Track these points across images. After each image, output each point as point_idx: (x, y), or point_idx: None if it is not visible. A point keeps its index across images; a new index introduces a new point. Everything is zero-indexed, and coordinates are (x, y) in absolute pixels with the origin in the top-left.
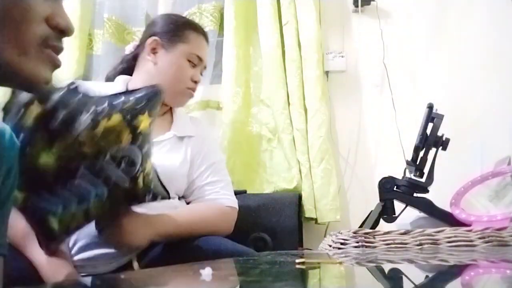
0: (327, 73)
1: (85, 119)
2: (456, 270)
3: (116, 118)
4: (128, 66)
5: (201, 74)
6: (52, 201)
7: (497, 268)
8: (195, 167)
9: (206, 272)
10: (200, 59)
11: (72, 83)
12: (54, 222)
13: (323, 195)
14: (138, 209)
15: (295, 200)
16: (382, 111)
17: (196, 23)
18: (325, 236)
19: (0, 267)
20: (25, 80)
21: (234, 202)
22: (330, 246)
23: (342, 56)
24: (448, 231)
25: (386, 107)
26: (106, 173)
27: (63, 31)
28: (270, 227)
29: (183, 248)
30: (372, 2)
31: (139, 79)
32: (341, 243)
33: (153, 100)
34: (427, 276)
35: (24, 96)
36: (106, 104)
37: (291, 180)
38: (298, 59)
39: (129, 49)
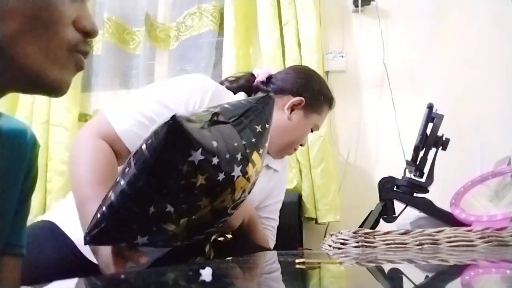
0: (327, 73)
1: (237, 170)
2: (456, 270)
3: (256, 156)
4: (247, 86)
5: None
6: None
7: (497, 268)
8: (269, 198)
9: (206, 272)
10: (317, 128)
11: (216, 114)
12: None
13: (323, 195)
14: None
15: (295, 200)
16: (382, 111)
17: (334, 100)
18: (325, 236)
19: (19, 267)
20: (50, 86)
21: (273, 245)
22: (330, 246)
23: (342, 56)
24: (448, 231)
25: (386, 107)
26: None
27: (89, 34)
28: None
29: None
30: (372, 2)
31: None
32: (341, 243)
33: (270, 114)
34: (427, 276)
35: (197, 156)
36: (245, 141)
37: (291, 180)
38: (298, 59)
39: (260, 75)
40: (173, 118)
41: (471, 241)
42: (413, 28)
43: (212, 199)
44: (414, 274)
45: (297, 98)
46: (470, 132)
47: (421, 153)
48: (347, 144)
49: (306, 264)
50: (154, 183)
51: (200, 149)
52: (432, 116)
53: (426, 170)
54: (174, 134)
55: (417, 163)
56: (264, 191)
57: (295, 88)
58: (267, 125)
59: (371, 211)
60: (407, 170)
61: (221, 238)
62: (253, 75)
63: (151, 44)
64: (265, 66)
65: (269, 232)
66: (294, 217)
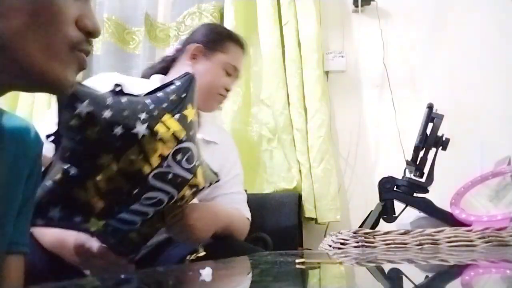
0: (327, 73)
1: (141, 128)
2: (456, 270)
3: (168, 118)
4: (165, 67)
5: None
6: (131, 220)
7: (497, 268)
8: (222, 174)
9: (206, 272)
10: (235, 69)
11: (117, 85)
12: (135, 237)
13: (323, 195)
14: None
15: (295, 200)
16: (382, 111)
17: (238, 36)
18: (325, 236)
19: (21, 265)
20: (53, 84)
21: (249, 215)
22: (330, 246)
23: (342, 56)
24: (448, 231)
25: (386, 107)
26: (172, 176)
27: (91, 33)
28: (270, 227)
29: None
30: (372, 2)
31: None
32: (341, 243)
33: (191, 89)
34: (427, 276)
35: (83, 108)
36: (153, 107)
37: (291, 180)
38: (298, 59)
39: (169, 51)
40: None
41: (471, 241)
42: (413, 28)
43: (114, 156)
44: (414, 274)
45: (193, 45)
46: (470, 132)
47: (421, 153)
48: (347, 144)
49: (306, 264)
50: (58, 150)
51: (87, 101)
52: (432, 116)
53: (426, 170)
54: (64, 98)
55: (417, 163)
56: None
57: (189, 40)
58: (183, 95)
59: (371, 211)
60: (407, 170)
61: (193, 257)
62: (167, 56)
63: (151, 44)
64: (265, 66)
65: (240, 206)
66: (294, 217)
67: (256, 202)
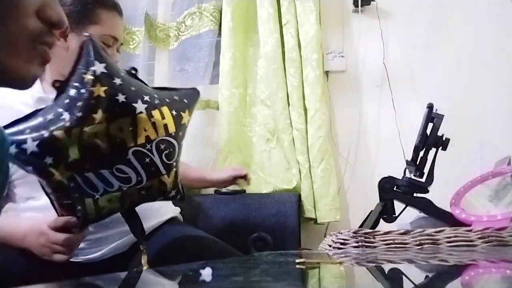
0: (327, 73)
1: (140, 106)
2: (456, 270)
3: (166, 110)
4: None
5: (117, 51)
6: (95, 184)
7: (497, 268)
8: None
9: (206, 272)
10: (115, 39)
11: (134, 68)
12: (89, 204)
13: (323, 195)
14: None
15: (295, 200)
16: (382, 111)
17: None
18: (325, 236)
19: None
20: (15, 78)
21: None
22: (330, 246)
23: (342, 56)
24: (448, 231)
25: (386, 107)
26: (149, 161)
27: (55, 24)
28: (270, 227)
29: (187, 247)
30: (372, 2)
31: (54, 68)
32: (341, 243)
33: (193, 100)
34: (427, 276)
35: (100, 67)
36: (157, 96)
37: (290, 180)
38: (298, 59)
39: None
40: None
41: (471, 241)
42: (413, 28)
43: (108, 117)
44: (414, 274)
45: None
46: (470, 132)
47: (421, 153)
48: (347, 144)
49: (306, 264)
50: (59, 97)
51: (105, 64)
52: (432, 116)
53: (426, 170)
54: (88, 45)
55: (417, 163)
56: None
57: None
58: (185, 101)
59: (371, 211)
60: (407, 170)
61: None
62: None
63: (151, 44)
64: (265, 66)
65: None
66: (294, 217)
67: (255, 202)
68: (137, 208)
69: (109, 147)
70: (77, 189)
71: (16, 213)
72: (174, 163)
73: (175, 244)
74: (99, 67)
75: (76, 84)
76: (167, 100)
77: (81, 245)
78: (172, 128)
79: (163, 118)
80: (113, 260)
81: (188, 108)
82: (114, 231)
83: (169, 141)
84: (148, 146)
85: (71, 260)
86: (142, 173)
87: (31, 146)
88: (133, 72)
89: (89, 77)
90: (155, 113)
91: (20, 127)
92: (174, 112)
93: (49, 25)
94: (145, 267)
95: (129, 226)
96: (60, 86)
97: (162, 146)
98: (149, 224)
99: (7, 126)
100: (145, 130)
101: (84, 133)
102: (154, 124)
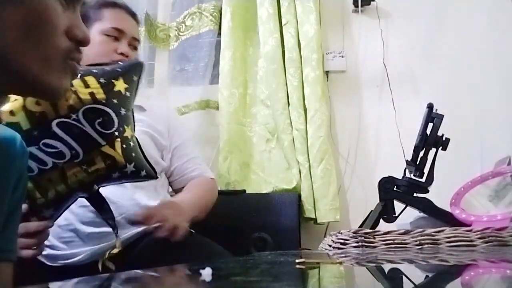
0: (327, 73)
1: None
2: (456, 270)
3: (90, 78)
4: None
5: (135, 48)
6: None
7: (497, 268)
8: (174, 137)
9: (206, 272)
10: (119, 31)
11: None
12: (31, 186)
13: (323, 195)
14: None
15: (295, 200)
16: (382, 111)
17: (115, 0)
18: (325, 236)
19: (10, 273)
20: (49, 91)
21: (212, 175)
22: (330, 246)
23: (342, 56)
24: (448, 231)
25: (386, 107)
26: (80, 132)
27: (81, 42)
28: (270, 227)
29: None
30: (372, 2)
31: None
32: (341, 243)
33: (127, 68)
34: (427, 276)
35: None
36: (81, 69)
37: (290, 180)
38: (298, 59)
39: None
40: None
41: (471, 241)
42: (413, 28)
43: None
44: (414, 274)
45: None
46: (470, 132)
47: (421, 153)
48: (347, 144)
49: (306, 264)
50: None
51: None
52: (432, 116)
53: (426, 170)
54: None
55: (417, 163)
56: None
57: None
58: (118, 69)
59: (371, 211)
60: (407, 170)
61: (109, 254)
62: None
63: (151, 44)
64: (265, 66)
65: (200, 170)
66: (294, 217)
67: (255, 202)
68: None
69: (29, 122)
70: None
71: None
72: (116, 133)
73: (157, 247)
74: None
75: None
76: (94, 71)
77: (59, 244)
78: (100, 95)
79: (87, 86)
80: (93, 266)
81: (123, 75)
82: (93, 229)
83: (100, 109)
84: (74, 116)
85: (50, 264)
86: (75, 145)
87: None
88: None
89: None
90: (76, 82)
91: None
92: (102, 80)
93: (76, 42)
94: (117, 250)
95: (98, 211)
96: None
97: (92, 115)
98: (129, 230)
99: None
100: (66, 100)
101: (0, 113)
102: (76, 93)
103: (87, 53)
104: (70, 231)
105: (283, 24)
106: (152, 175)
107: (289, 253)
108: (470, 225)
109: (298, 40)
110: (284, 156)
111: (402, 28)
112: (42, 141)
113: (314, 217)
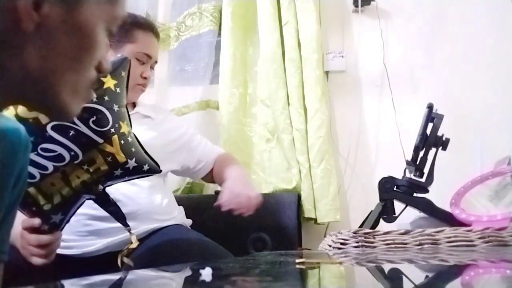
0: (327, 73)
1: None
2: (456, 270)
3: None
4: None
5: (152, 68)
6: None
7: (497, 268)
8: (186, 143)
9: (206, 272)
10: (148, 56)
11: None
12: (35, 193)
13: (323, 195)
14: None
15: (295, 200)
16: (382, 111)
17: (146, 21)
18: (325, 236)
19: (0, 273)
20: (65, 115)
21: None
22: (330, 246)
23: (342, 56)
24: (448, 231)
25: (386, 107)
26: (75, 133)
27: (104, 73)
28: (270, 227)
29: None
30: (372, 2)
31: None
32: (341, 243)
33: (115, 65)
34: (427, 276)
35: None
36: None
37: (290, 180)
38: (298, 59)
39: None
40: None
41: (471, 241)
42: (413, 28)
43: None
44: (414, 274)
45: None
46: (470, 132)
47: (421, 153)
48: (347, 144)
49: (306, 264)
50: None
51: None
52: (432, 116)
53: (426, 170)
54: None
55: (417, 163)
56: (158, 138)
57: None
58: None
59: (371, 211)
60: (407, 170)
61: (131, 247)
62: None
63: None
64: (265, 66)
65: (213, 148)
66: (294, 217)
67: None
68: (140, 212)
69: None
70: None
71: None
72: (112, 130)
73: (160, 247)
74: None
75: None
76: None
77: (74, 237)
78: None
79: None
80: (108, 258)
81: (111, 72)
82: (108, 225)
83: (92, 108)
84: None
85: (66, 254)
86: (73, 146)
87: None
88: None
89: None
90: None
91: None
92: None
93: (100, 73)
94: (135, 245)
95: (106, 211)
96: None
97: (86, 114)
98: (145, 227)
99: None
100: None
101: None
102: None
103: None
104: (85, 226)
105: (283, 24)
106: (155, 169)
107: (289, 253)
108: (470, 225)
109: (298, 40)
110: (284, 156)
111: (402, 28)
112: (40, 146)
113: (314, 217)
